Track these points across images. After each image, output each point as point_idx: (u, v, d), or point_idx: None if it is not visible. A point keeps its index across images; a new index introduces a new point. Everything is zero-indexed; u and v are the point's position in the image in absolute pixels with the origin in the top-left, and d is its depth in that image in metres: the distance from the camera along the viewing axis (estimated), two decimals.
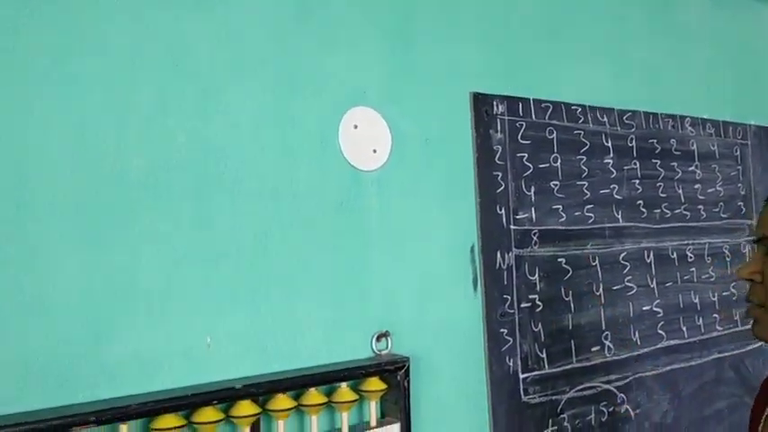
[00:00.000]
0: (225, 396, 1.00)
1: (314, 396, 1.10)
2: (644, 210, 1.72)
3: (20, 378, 0.88)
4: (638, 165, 1.72)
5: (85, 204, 0.95)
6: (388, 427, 1.19)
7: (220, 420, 0.99)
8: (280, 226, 1.13)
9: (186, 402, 0.97)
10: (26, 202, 0.91)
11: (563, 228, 1.54)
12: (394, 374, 1.19)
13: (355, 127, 1.23)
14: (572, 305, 1.53)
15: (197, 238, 1.04)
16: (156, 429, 0.95)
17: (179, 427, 0.96)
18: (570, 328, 1.53)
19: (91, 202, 0.95)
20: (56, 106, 0.94)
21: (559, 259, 1.53)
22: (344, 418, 1.14)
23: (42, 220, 0.91)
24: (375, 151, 1.26)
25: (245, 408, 1.02)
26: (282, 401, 1.06)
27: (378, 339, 1.23)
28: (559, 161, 1.55)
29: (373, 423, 1.18)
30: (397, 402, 1.20)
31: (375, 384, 1.18)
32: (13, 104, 0.91)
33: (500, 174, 1.44)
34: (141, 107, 1.01)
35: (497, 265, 1.42)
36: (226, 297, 1.06)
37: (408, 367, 1.20)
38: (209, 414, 0.99)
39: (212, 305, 1.05)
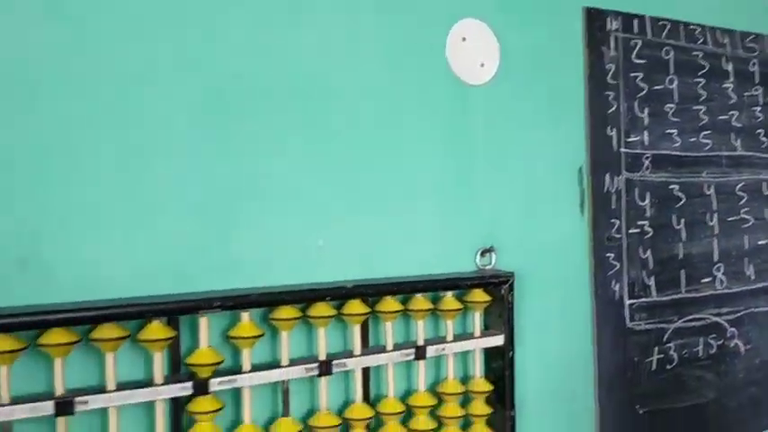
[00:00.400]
0: (337, 294, 1.04)
1: (420, 302, 1.13)
2: (764, 139, 1.62)
3: (155, 266, 0.94)
4: (759, 91, 1.62)
5: (212, 109, 0.99)
6: (492, 338, 1.20)
7: (332, 316, 1.03)
8: (388, 139, 1.14)
9: (302, 296, 1.01)
10: (162, 106, 0.95)
11: (677, 153, 1.48)
12: (498, 288, 1.20)
13: (463, 39, 1.22)
14: (683, 234, 1.48)
15: (311, 146, 1.07)
16: (274, 319, 1.00)
17: (295, 318, 1.00)
18: (680, 257, 1.48)
19: (216, 107, 0.99)
20: (188, 19, 0.98)
21: (671, 186, 1.47)
22: (449, 326, 1.17)
23: (175, 123, 0.96)
24: (483, 65, 1.25)
25: (356, 307, 1.06)
26: (390, 304, 1.09)
27: (482, 255, 1.24)
28: (675, 83, 1.48)
29: (477, 333, 1.20)
30: (501, 315, 1.21)
31: (479, 296, 1.19)
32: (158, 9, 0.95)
33: (612, 94, 1.39)
34: (264, 16, 1.03)
35: (605, 188, 1.38)
36: (338, 204, 1.09)
37: (513, 282, 1.21)
38: (322, 309, 1.03)
39: (325, 210, 1.08)
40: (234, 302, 0.95)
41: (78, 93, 0.89)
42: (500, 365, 1.21)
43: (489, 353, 1.22)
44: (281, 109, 1.05)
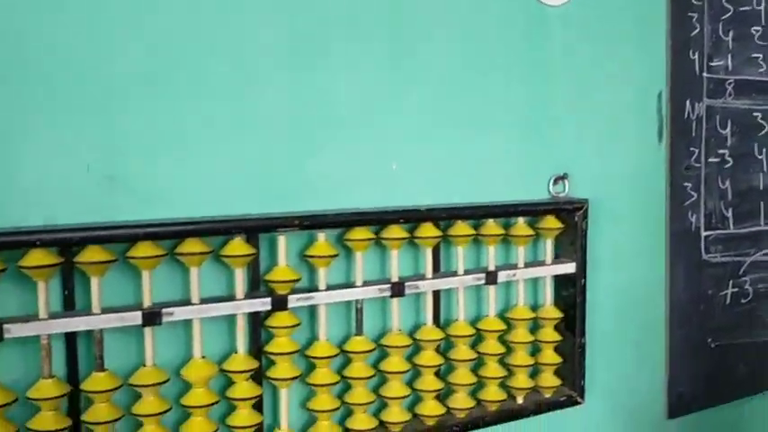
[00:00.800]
0: (411, 216, 1.04)
1: (492, 227, 1.12)
2: None
3: (237, 187, 0.96)
4: None
5: (293, 33, 0.98)
6: (563, 265, 1.19)
7: (405, 239, 1.04)
8: (464, 64, 1.12)
9: (376, 218, 1.02)
10: (251, 38, 0.95)
11: (762, 79, 1.41)
12: (571, 215, 1.18)
13: None
14: (765, 164, 1.42)
15: (388, 71, 1.05)
16: (348, 240, 1.01)
17: (368, 240, 1.01)
18: (761, 188, 1.43)
19: (296, 31, 0.98)
20: None
21: (755, 113, 1.41)
22: (520, 253, 1.16)
23: (260, 52, 0.96)
24: None
25: (428, 230, 1.06)
26: (462, 228, 1.09)
27: (555, 182, 1.22)
28: (763, 4, 1.39)
29: (548, 261, 1.19)
30: (573, 243, 1.19)
31: (552, 223, 1.17)
32: None
33: (695, 15, 1.32)
34: None
35: (686, 114, 1.33)
36: (412, 128, 1.08)
37: (587, 209, 1.18)
38: (395, 231, 1.03)
39: (400, 134, 1.07)
40: (311, 222, 0.96)
41: (172, 24, 0.89)
42: (571, 293, 1.20)
43: (560, 281, 1.22)
44: (359, 37, 1.02)
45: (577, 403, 1.21)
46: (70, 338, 0.86)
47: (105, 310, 0.86)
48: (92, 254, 0.84)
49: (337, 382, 1.02)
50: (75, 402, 0.87)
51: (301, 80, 0.99)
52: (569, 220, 1.19)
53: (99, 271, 0.85)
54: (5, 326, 0.80)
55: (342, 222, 0.99)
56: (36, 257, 0.81)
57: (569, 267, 1.19)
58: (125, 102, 0.88)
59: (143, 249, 0.87)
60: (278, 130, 0.98)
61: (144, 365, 0.90)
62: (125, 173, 0.89)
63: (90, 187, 0.87)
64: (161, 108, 0.90)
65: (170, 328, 0.93)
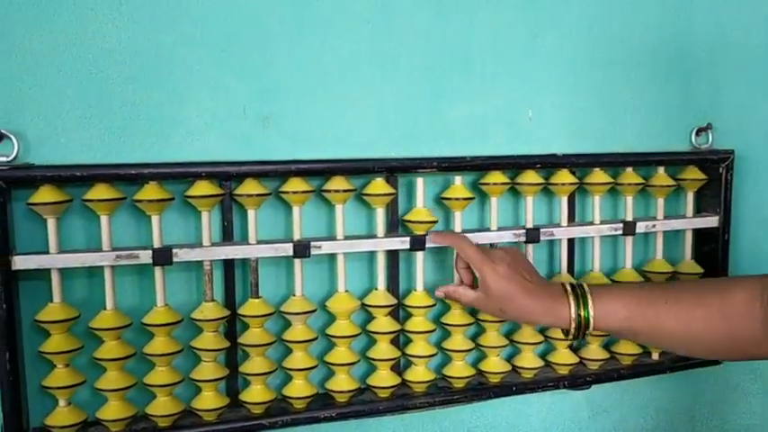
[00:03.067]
0: (547, 161, 1.04)
1: (631, 176, 1.10)
2: None
3: (378, 130, 0.99)
4: None
5: None
6: (705, 218, 1.15)
7: (540, 184, 1.04)
8: (602, 7, 1.10)
9: (513, 162, 1.02)
10: None
11: None
12: (715, 166, 1.14)
13: None
14: None
15: (521, 12, 1.05)
16: (483, 183, 1.02)
17: (504, 184, 1.02)
18: None
19: None
20: None
21: None
22: (660, 204, 1.13)
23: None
24: None
25: (564, 176, 1.05)
26: (600, 175, 1.08)
27: (698, 134, 1.17)
28: None
29: (689, 214, 1.15)
30: (716, 196, 1.15)
31: (694, 173, 1.13)
32: None
33: None
34: None
35: None
36: (549, 72, 1.08)
37: (732, 161, 1.13)
38: (531, 177, 1.04)
39: (536, 79, 1.07)
40: (449, 164, 0.98)
41: None
42: (712, 249, 1.16)
43: (701, 236, 1.17)
44: None
45: (714, 363, 1.17)
46: (228, 266, 0.93)
47: (260, 242, 0.92)
48: (249, 187, 0.90)
49: (471, 324, 1.04)
50: (232, 326, 0.94)
51: (439, 22, 1.00)
52: (712, 173, 1.14)
53: (255, 203, 0.91)
54: (174, 250, 0.87)
55: (478, 166, 1.00)
56: (201, 188, 0.88)
57: (712, 221, 1.15)
58: (278, 47, 0.93)
59: (294, 185, 0.92)
60: (416, 75, 1.00)
61: (294, 295, 0.95)
62: (277, 115, 0.95)
63: (246, 127, 0.93)
64: (310, 54, 0.95)
65: (316, 263, 0.99)
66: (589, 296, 0.85)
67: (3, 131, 0.83)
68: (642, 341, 0.89)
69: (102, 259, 0.86)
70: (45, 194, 0.83)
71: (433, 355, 1.02)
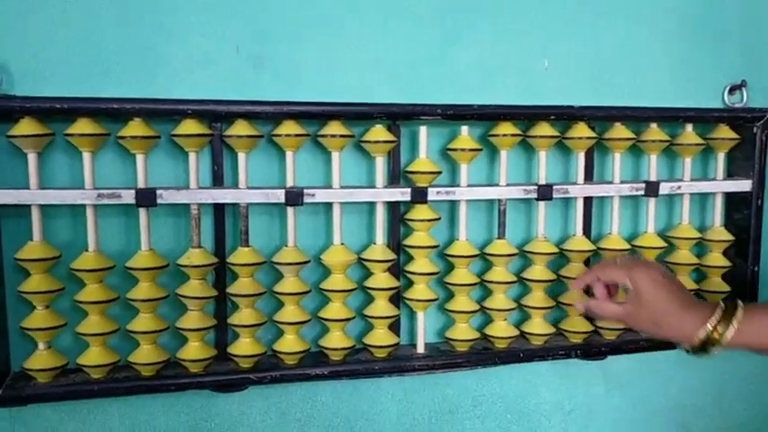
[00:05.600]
0: (561, 113, 0.97)
1: (655, 132, 1.02)
2: None
3: (380, 75, 0.94)
4: None
5: None
6: (737, 182, 1.06)
7: (555, 137, 0.97)
8: None
9: (524, 113, 0.96)
10: None
11: None
12: (749, 125, 1.05)
13: None
14: None
15: None
16: (493, 135, 0.96)
17: (514, 136, 0.95)
18: None
19: None
20: None
21: None
22: (687, 164, 1.05)
23: None
24: None
25: (581, 130, 0.98)
26: (619, 131, 1.00)
27: (731, 92, 1.08)
28: None
29: (719, 176, 1.06)
30: (750, 159, 1.06)
31: (725, 132, 1.05)
32: None
33: None
34: None
35: None
36: (566, 20, 1.01)
37: (767, 120, 1.04)
38: (544, 129, 0.97)
39: (552, 27, 1.00)
40: (454, 112, 0.92)
41: None
42: (744, 216, 1.07)
43: (732, 201, 1.09)
44: None
45: None
46: (218, 212, 0.89)
47: (250, 188, 0.88)
48: (240, 128, 0.86)
49: (476, 284, 0.97)
50: (221, 275, 0.90)
51: None
52: (746, 133, 1.05)
53: (246, 145, 0.87)
54: (159, 191, 0.84)
55: (486, 115, 0.94)
56: (188, 126, 0.84)
57: (744, 185, 1.06)
58: None
59: (288, 128, 0.87)
60: (422, 16, 0.95)
61: (286, 246, 0.90)
62: (273, 55, 0.90)
63: (239, 67, 0.89)
64: None
65: (311, 214, 0.94)
66: (739, 313, 0.76)
67: None
68: None
69: (83, 197, 0.82)
70: (25, 127, 0.80)
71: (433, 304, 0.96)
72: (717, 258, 1.07)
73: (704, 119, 1.04)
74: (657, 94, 1.06)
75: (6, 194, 0.80)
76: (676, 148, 1.04)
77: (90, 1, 0.83)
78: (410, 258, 0.96)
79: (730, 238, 1.07)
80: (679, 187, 1.03)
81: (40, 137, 0.80)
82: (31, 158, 0.81)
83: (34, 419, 0.87)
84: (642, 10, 1.03)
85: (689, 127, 1.04)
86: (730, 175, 1.09)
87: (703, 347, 0.77)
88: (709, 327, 0.75)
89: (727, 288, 1.07)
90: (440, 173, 0.94)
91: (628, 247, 1.03)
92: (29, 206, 0.82)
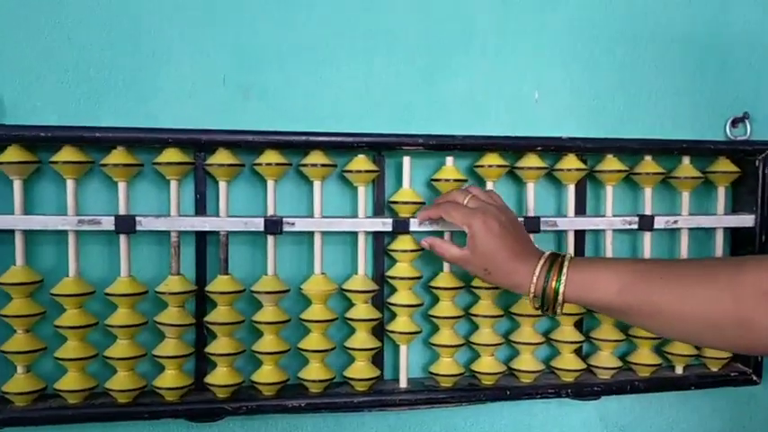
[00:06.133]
0: (548, 144, 0.95)
1: (648, 165, 0.99)
2: None
3: (363, 105, 0.94)
4: None
5: None
6: (738, 216, 1.03)
7: (543, 168, 0.95)
8: None
9: (510, 144, 0.94)
10: None
11: None
12: (751, 159, 1.01)
13: None
14: None
15: None
16: (479, 166, 0.95)
17: (500, 166, 0.94)
18: None
19: None
20: None
21: None
22: (684, 199, 1.01)
23: None
24: None
25: (571, 162, 0.97)
26: (611, 163, 0.98)
27: (733, 124, 1.05)
28: None
29: (720, 210, 1.03)
30: (753, 193, 1.02)
31: (725, 166, 1.02)
32: None
33: None
34: None
35: None
36: (558, 51, 1.00)
37: None
38: (532, 160, 0.95)
39: (544, 57, 0.99)
40: (437, 142, 0.92)
41: None
42: (748, 252, 1.03)
43: (737, 237, 1.05)
44: None
45: (752, 382, 1.03)
46: (200, 240, 0.90)
47: (231, 216, 0.88)
48: (221, 157, 0.87)
49: (461, 317, 0.95)
50: (201, 304, 0.90)
51: None
52: (748, 166, 1.02)
53: (227, 174, 0.88)
54: (138, 218, 0.85)
55: (470, 146, 0.93)
56: (170, 155, 0.85)
57: (746, 220, 1.02)
58: (261, 15, 0.90)
59: (269, 157, 0.88)
60: (411, 47, 0.95)
61: (265, 275, 0.90)
62: (259, 85, 0.91)
63: (225, 97, 0.91)
64: (296, 24, 0.92)
65: (293, 244, 0.94)
66: (566, 264, 0.76)
67: None
68: (634, 322, 0.77)
69: (64, 223, 0.84)
70: (11, 154, 0.82)
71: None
72: None
73: (701, 151, 1.01)
74: (656, 125, 1.04)
75: None
76: (673, 181, 1.01)
77: (80, 35, 0.86)
78: (393, 290, 0.94)
79: None
80: (675, 221, 1.00)
81: (25, 164, 0.82)
82: (17, 185, 0.83)
83: None
84: (640, 40, 1.02)
85: (686, 159, 1.01)
86: (735, 209, 1.05)
87: (545, 302, 0.77)
88: (535, 276, 0.76)
89: None
90: (423, 203, 0.93)
91: None
92: (12, 231, 0.83)
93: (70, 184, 0.85)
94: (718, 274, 0.68)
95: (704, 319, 0.68)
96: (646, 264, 0.77)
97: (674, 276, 0.71)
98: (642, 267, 0.74)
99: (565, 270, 0.75)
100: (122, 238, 0.86)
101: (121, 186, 0.86)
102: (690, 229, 1.02)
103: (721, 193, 1.03)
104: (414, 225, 0.92)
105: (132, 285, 0.87)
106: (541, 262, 0.77)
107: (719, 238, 1.04)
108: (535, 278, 0.77)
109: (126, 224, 0.85)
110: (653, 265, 0.75)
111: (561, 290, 0.75)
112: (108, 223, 0.84)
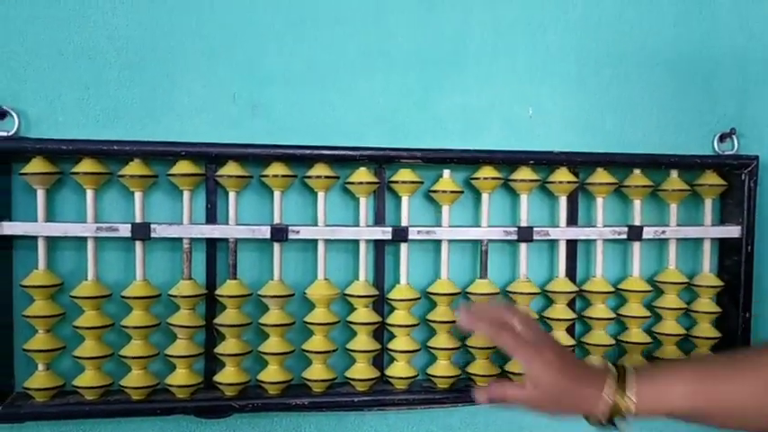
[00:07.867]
0: (542, 158, 1.00)
1: (637, 178, 1.04)
2: None
3: (365, 121, 1.00)
4: None
5: None
6: (725, 228, 1.07)
7: (536, 181, 1.00)
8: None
9: (504, 157, 0.99)
10: None
11: None
12: (737, 172, 1.06)
13: None
14: None
15: (521, 7, 1.03)
16: (475, 178, 1.00)
17: (496, 179, 0.99)
18: None
19: None
20: None
21: None
22: (673, 211, 1.06)
23: None
24: None
25: (563, 175, 1.01)
26: (601, 175, 1.03)
27: (721, 139, 1.10)
28: None
29: (707, 222, 1.07)
30: (739, 205, 1.06)
31: (712, 179, 1.06)
32: None
33: None
34: None
35: None
36: (551, 68, 1.05)
37: (756, 167, 1.05)
38: (525, 173, 1.00)
39: (537, 75, 1.04)
40: (434, 155, 0.97)
41: None
42: (735, 262, 1.07)
43: (724, 248, 1.09)
44: None
45: None
46: (211, 247, 0.95)
47: (239, 224, 0.94)
48: (230, 169, 0.93)
49: (454, 322, 1.00)
50: (210, 307, 0.95)
51: (434, 15, 1.00)
52: (734, 179, 1.06)
53: (236, 185, 0.93)
54: (153, 226, 0.91)
55: (466, 159, 0.98)
56: (182, 167, 0.91)
57: (733, 231, 1.07)
58: (269, 38, 0.96)
59: (276, 169, 0.93)
60: (409, 67, 1.00)
61: (272, 280, 0.96)
62: (266, 103, 0.97)
63: (234, 113, 0.96)
64: (301, 45, 0.98)
65: (298, 251, 0.99)
66: (632, 379, 0.73)
67: (5, 108, 0.90)
68: (702, 423, 0.74)
69: (83, 230, 0.90)
70: (35, 166, 0.88)
71: (415, 351, 0.99)
72: (706, 304, 1.07)
73: (688, 165, 1.05)
74: (645, 142, 1.08)
75: (16, 226, 0.88)
76: (661, 194, 1.05)
77: (100, 55, 0.92)
78: (393, 309, 1.00)
79: (719, 283, 1.07)
80: (663, 232, 1.05)
81: (48, 174, 0.89)
82: (40, 194, 0.89)
83: None
84: (630, 57, 1.06)
85: (674, 173, 1.05)
86: (723, 220, 1.09)
87: (612, 421, 0.73)
88: (606, 398, 0.72)
89: (717, 334, 1.07)
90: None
91: (611, 289, 1.04)
92: (35, 237, 0.89)
93: (89, 193, 0.90)
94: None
95: (759, 408, 0.70)
96: (705, 365, 0.75)
97: (738, 375, 0.72)
98: (703, 372, 0.73)
99: (633, 386, 0.72)
100: (138, 244, 0.92)
101: (137, 196, 0.91)
102: (678, 239, 1.06)
103: (708, 205, 1.07)
104: (413, 234, 0.97)
105: (146, 289, 0.92)
106: (608, 383, 0.73)
107: (707, 248, 1.08)
108: (608, 402, 0.72)
109: (141, 231, 0.90)
110: (713, 365, 0.75)
111: (633, 409, 0.72)
112: (125, 230, 0.90)
